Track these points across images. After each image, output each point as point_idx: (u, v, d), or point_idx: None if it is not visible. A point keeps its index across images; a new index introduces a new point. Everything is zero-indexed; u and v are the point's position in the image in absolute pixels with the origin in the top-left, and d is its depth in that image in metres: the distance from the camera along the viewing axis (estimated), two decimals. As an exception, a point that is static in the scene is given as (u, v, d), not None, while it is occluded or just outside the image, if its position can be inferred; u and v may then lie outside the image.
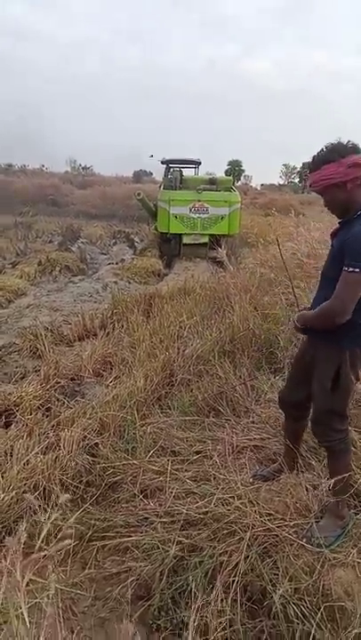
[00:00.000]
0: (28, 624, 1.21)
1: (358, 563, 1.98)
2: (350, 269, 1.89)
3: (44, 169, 38.09)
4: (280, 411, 2.87)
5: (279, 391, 2.55)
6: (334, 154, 1.94)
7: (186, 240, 11.32)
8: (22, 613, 1.30)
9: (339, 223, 2.10)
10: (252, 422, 2.92)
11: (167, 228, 11.23)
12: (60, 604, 1.98)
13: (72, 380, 3.90)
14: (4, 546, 1.74)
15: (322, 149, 1.99)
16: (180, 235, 11.32)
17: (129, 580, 2.03)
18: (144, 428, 2.95)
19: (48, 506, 2.29)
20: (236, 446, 2.70)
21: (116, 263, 10.40)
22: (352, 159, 1.91)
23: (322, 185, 2.00)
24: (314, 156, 2.01)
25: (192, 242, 11.32)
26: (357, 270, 1.87)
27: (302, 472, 2.39)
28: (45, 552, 1.43)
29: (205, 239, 11.26)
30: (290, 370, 2.52)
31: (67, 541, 1.50)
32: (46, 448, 2.76)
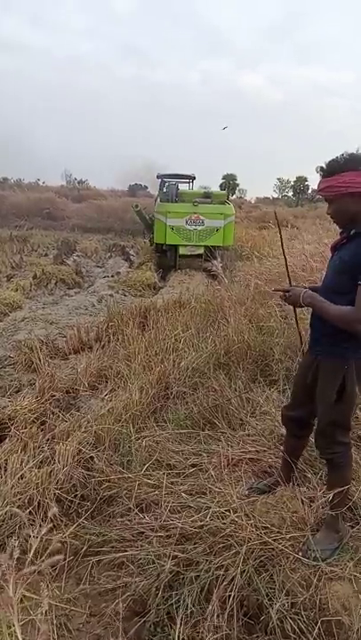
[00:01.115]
0: (22, 637, 1.19)
1: (355, 576, 1.97)
2: None
3: (39, 183, 38.30)
4: (275, 423, 2.89)
5: (282, 407, 2.53)
6: (356, 163, 1.92)
7: (182, 251, 11.62)
8: (15, 631, 1.28)
9: (341, 234, 2.08)
10: (248, 435, 2.91)
11: (164, 239, 11.52)
12: (55, 621, 1.96)
13: (67, 393, 3.88)
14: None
15: (341, 155, 1.95)
16: (177, 246, 11.60)
17: (124, 596, 2.01)
18: (139, 441, 2.93)
19: (43, 521, 2.27)
20: (232, 459, 2.69)
21: (112, 276, 10.41)
22: None
23: (337, 192, 1.96)
24: (330, 161, 1.98)
25: (188, 253, 11.61)
26: None
27: (299, 485, 2.38)
28: (37, 567, 1.42)
29: (201, 250, 11.51)
30: (292, 387, 2.49)
31: (57, 557, 1.48)
32: (41, 462, 2.73)
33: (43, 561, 1.37)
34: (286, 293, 2.21)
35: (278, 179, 54.42)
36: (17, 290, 8.46)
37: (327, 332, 2.07)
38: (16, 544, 1.33)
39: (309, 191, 48.27)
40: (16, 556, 1.28)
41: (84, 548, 2.29)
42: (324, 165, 2.00)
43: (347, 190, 1.93)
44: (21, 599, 1.44)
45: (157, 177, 14.30)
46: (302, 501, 2.24)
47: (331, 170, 1.97)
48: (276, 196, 51.87)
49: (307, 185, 48.27)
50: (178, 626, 1.89)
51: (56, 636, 1.83)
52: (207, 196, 12.15)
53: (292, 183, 50.70)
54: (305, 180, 48.29)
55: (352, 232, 2.02)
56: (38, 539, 1.42)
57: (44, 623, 1.33)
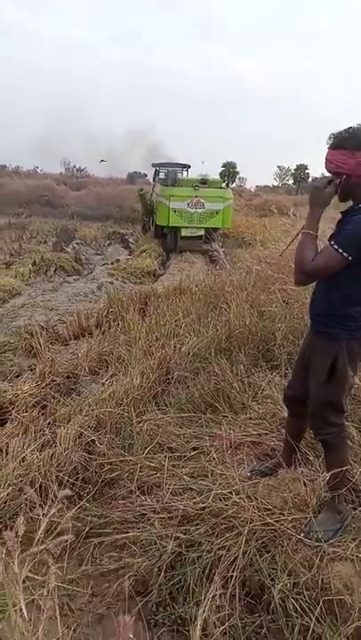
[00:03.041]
0: (26, 617, 1.19)
1: (357, 557, 1.97)
2: (333, 244, 1.91)
3: (37, 170, 38.00)
4: (278, 407, 2.88)
5: (285, 387, 2.55)
6: (351, 142, 1.90)
7: (184, 233, 12.20)
8: (21, 607, 1.28)
9: (341, 213, 2.09)
10: (250, 418, 2.91)
11: (167, 221, 12.11)
12: (57, 601, 1.97)
13: (68, 377, 3.87)
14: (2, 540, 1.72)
15: (346, 130, 1.94)
16: (178, 228, 12.17)
17: (126, 576, 2.02)
18: (141, 424, 2.93)
19: (45, 502, 2.27)
20: (234, 442, 2.69)
21: (111, 263, 10.37)
22: None
23: (331, 168, 1.98)
24: (335, 134, 1.97)
25: (190, 235, 12.23)
26: (338, 249, 1.89)
27: (300, 467, 2.38)
28: (43, 546, 1.41)
29: (202, 232, 12.18)
30: (294, 365, 2.51)
31: (65, 536, 1.48)
32: (42, 445, 2.73)
33: (50, 540, 1.36)
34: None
35: (279, 166, 53.91)
36: (16, 277, 8.43)
37: (322, 310, 2.10)
38: (22, 522, 1.32)
39: (310, 179, 47.90)
40: (20, 534, 1.28)
41: (87, 529, 2.29)
42: (331, 135, 1.99)
43: (337, 169, 1.95)
44: (24, 580, 1.44)
45: (152, 166, 15.09)
46: (304, 483, 2.24)
47: (332, 143, 1.98)
48: (276, 184, 51.52)
49: (307, 173, 47.81)
50: (180, 605, 1.91)
51: (59, 616, 1.84)
52: (204, 182, 12.67)
53: (293, 171, 50.26)
54: (305, 167, 47.79)
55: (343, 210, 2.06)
56: (47, 518, 1.41)
57: (48, 600, 1.32)
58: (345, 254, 1.88)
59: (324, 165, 2.04)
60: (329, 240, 1.97)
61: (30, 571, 1.81)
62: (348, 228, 1.94)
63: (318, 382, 2.11)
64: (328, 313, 2.06)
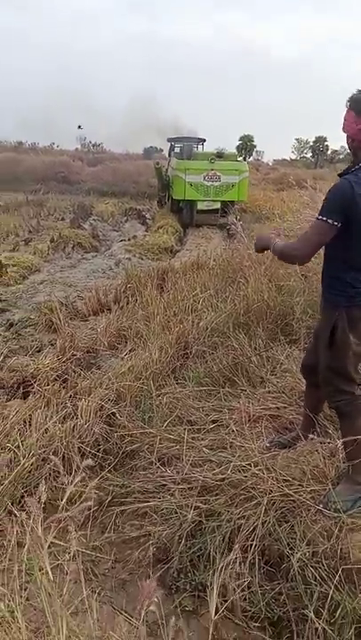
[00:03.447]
0: (52, 579, 1.24)
1: (376, 527, 1.98)
2: (319, 215, 1.97)
3: (54, 146, 37.70)
4: (297, 380, 2.87)
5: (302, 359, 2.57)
6: (354, 103, 1.96)
7: (200, 206, 12.28)
8: (47, 571, 1.32)
9: (338, 175, 2.11)
10: (268, 392, 2.91)
11: (183, 195, 12.30)
12: (82, 566, 2.03)
13: (87, 352, 3.92)
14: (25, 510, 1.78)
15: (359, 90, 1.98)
16: (194, 202, 12.26)
17: (148, 544, 2.07)
18: (160, 398, 2.96)
19: (68, 472, 2.32)
20: (253, 415, 2.70)
21: (128, 240, 10.34)
22: None
23: (343, 126, 2.04)
24: (354, 93, 1.99)
25: (205, 208, 12.28)
26: (322, 218, 1.94)
27: (319, 440, 2.38)
28: (67, 513, 1.45)
29: (217, 205, 12.21)
30: (312, 337, 2.53)
31: (89, 503, 1.52)
32: (64, 417, 2.78)
33: (75, 507, 1.39)
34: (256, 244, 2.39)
35: (297, 139, 52.47)
36: (35, 253, 8.49)
37: (324, 279, 2.19)
38: (44, 489, 1.35)
39: (329, 152, 46.58)
40: (43, 501, 1.31)
41: (108, 498, 2.35)
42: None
43: (343, 128, 2.03)
44: (49, 546, 1.48)
45: (168, 140, 15.22)
46: (323, 455, 2.25)
47: (347, 102, 2.01)
48: (294, 157, 50.24)
49: (326, 145, 46.48)
50: (201, 572, 1.95)
51: (84, 580, 1.90)
52: (220, 155, 12.72)
53: (311, 144, 48.88)
54: (324, 140, 46.36)
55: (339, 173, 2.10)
56: (72, 486, 1.44)
57: (72, 564, 1.36)
58: (329, 221, 1.93)
59: None
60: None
61: (55, 537, 1.88)
62: (327, 195, 2.00)
63: (323, 347, 2.16)
64: (328, 281, 2.14)
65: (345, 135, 2.05)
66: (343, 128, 2.04)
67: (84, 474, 2.25)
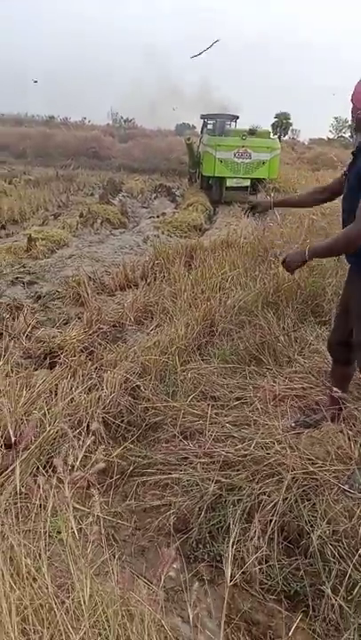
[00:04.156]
0: (77, 536, 1.27)
1: None
2: None
3: (85, 121, 37.54)
4: (325, 361, 2.83)
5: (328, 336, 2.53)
6: None
7: (229, 183, 12.18)
8: (73, 529, 1.36)
9: (352, 154, 2.12)
10: (295, 372, 2.88)
11: (213, 171, 12.21)
12: (103, 531, 2.08)
13: (114, 326, 3.96)
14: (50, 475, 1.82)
15: None
16: (224, 178, 12.14)
17: (168, 513, 2.10)
18: (185, 373, 2.97)
19: (87, 439, 2.36)
20: (278, 394, 2.68)
21: (157, 217, 10.29)
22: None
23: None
24: None
25: (235, 185, 12.19)
26: None
27: (345, 421, 2.35)
28: (85, 473, 1.47)
29: (247, 183, 12.18)
30: (335, 316, 2.50)
31: (101, 464, 1.54)
32: (89, 388, 2.83)
33: (89, 468, 1.42)
34: (283, 262, 2.23)
35: (335, 118, 50.76)
36: (64, 228, 8.53)
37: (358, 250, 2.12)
38: (70, 452, 1.38)
39: (367, 132, 44.90)
40: (70, 462, 1.34)
41: (130, 468, 2.38)
42: None
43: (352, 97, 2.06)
44: (73, 510, 1.52)
45: (201, 117, 15.02)
46: (348, 437, 2.23)
47: None
48: (332, 136, 48.70)
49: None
50: (219, 544, 1.97)
51: (104, 544, 1.95)
52: (252, 132, 12.67)
53: (350, 123, 47.15)
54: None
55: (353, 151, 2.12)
56: (84, 448, 1.47)
57: (94, 526, 1.39)
58: None
59: None
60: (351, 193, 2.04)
61: (77, 502, 1.92)
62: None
63: (357, 318, 2.13)
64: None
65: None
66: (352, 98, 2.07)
67: (101, 442, 2.31)
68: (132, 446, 2.52)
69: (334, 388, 2.17)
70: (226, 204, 11.96)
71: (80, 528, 1.69)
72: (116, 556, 1.97)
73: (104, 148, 23.19)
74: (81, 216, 9.44)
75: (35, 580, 1.38)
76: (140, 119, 36.45)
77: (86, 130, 28.96)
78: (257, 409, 2.55)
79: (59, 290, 5.07)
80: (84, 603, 1.27)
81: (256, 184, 12.07)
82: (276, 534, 1.94)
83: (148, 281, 4.99)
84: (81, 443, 1.66)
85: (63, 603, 1.30)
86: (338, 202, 2.33)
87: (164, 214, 10.58)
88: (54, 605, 1.27)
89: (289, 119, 44.19)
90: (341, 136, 47.97)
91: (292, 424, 2.43)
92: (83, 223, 9.05)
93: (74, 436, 2.16)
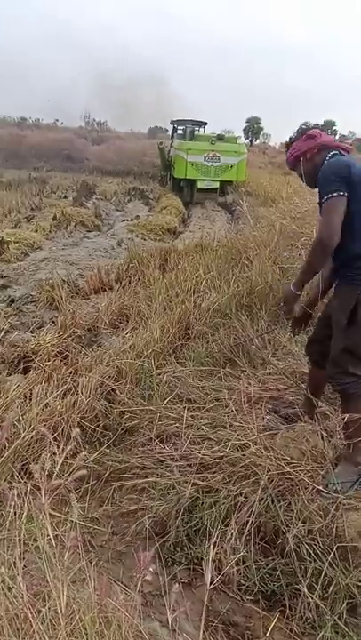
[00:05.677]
0: (53, 544, 1.25)
1: (373, 507, 2.00)
2: (324, 199, 2.09)
3: (58, 123, 37.17)
4: (299, 362, 2.88)
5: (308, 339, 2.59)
6: (299, 134, 2.29)
7: (200, 185, 12.94)
8: (50, 536, 1.34)
9: None
10: (269, 374, 2.92)
11: (184, 174, 12.80)
12: (80, 537, 2.06)
13: (89, 330, 3.92)
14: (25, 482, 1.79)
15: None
16: (194, 180, 12.89)
17: (145, 517, 2.09)
18: (160, 376, 2.97)
19: (67, 445, 2.34)
20: (253, 396, 2.71)
21: (131, 220, 10.25)
22: (308, 132, 2.24)
23: (290, 161, 2.33)
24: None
25: (205, 187, 12.96)
26: (329, 196, 2.05)
27: (319, 421, 2.39)
28: (63, 480, 1.46)
29: (217, 185, 13.03)
30: (316, 323, 2.55)
31: (84, 472, 1.53)
32: (64, 393, 2.79)
33: (69, 474, 1.41)
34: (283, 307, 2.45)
35: (305, 123, 51.52)
36: (37, 231, 8.40)
37: (339, 261, 2.22)
38: (47, 458, 1.36)
39: (337, 137, 45.88)
40: (47, 468, 1.32)
41: (107, 473, 2.37)
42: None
43: (293, 156, 2.29)
44: (49, 516, 1.50)
45: (171, 123, 15.84)
46: (322, 436, 2.26)
47: (286, 145, 2.36)
48: (302, 141, 49.29)
49: (335, 130, 45.66)
50: (197, 546, 1.98)
51: (81, 551, 1.93)
52: (220, 137, 13.29)
53: (320, 127, 48.01)
54: (333, 124, 45.61)
55: None
56: (64, 455, 1.45)
57: (71, 532, 1.38)
58: (335, 194, 2.04)
59: (288, 167, 2.45)
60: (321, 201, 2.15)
61: (53, 509, 1.90)
62: (319, 176, 2.15)
63: (339, 329, 2.17)
64: (344, 262, 2.17)
65: None
66: (292, 159, 2.31)
67: (78, 448, 2.29)
68: (108, 451, 2.50)
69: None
70: (199, 206, 12.53)
71: (56, 535, 1.68)
72: (93, 563, 1.96)
73: (77, 150, 23.01)
74: (54, 219, 9.33)
75: (10, 589, 1.36)
76: (112, 122, 36.34)
77: (59, 132, 28.68)
78: (232, 411, 2.57)
79: (32, 293, 5.00)
80: (61, 611, 1.25)
81: (225, 186, 13.05)
82: (252, 535, 1.95)
83: (123, 284, 4.97)
84: (60, 449, 1.64)
85: (39, 612, 1.28)
86: (307, 206, 2.40)
87: (138, 217, 10.55)
88: (30, 615, 1.25)
89: (260, 124, 44.74)
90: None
91: (267, 418, 2.47)
92: (56, 226, 8.95)
93: (50, 442, 2.13)
